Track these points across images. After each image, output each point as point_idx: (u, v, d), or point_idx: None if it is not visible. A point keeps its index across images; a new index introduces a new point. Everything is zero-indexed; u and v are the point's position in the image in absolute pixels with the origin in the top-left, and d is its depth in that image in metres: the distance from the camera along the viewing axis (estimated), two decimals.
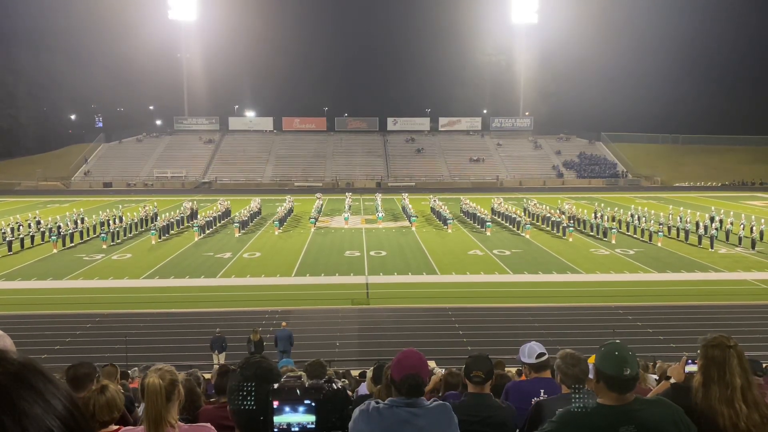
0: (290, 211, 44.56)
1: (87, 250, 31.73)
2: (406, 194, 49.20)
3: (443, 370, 6.64)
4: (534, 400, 4.12)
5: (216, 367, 13.19)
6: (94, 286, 24.74)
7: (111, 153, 78.40)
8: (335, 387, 2.26)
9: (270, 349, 15.96)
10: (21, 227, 34.08)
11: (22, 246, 32.17)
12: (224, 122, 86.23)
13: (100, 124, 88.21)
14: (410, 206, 43.53)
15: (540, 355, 4.51)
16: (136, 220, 38.31)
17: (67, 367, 4.41)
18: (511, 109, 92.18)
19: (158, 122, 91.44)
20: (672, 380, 3.26)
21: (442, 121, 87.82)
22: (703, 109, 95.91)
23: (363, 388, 6.66)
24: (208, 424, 3.10)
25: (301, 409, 2.15)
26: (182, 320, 20.31)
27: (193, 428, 3.00)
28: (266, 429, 2.17)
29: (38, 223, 35.71)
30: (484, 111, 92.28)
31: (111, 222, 36.22)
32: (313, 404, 2.16)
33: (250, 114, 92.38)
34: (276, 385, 2.20)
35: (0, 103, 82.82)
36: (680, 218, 36.21)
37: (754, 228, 33.30)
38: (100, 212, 38.74)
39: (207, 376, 10.17)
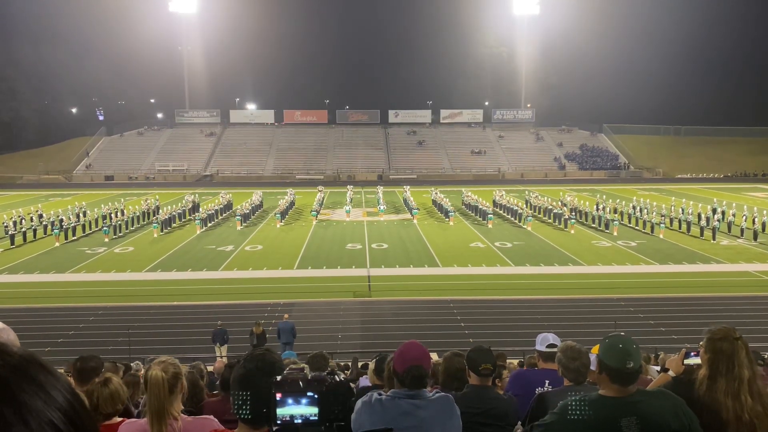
0: (292, 203, 44.56)
1: (89, 244, 31.79)
2: (408, 187, 49.17)
3: None
4: (538, 390, 4.12)
5: (218, 359, 13.24)
6: (96, 279, 24.80)
7: (112, 146, 78.40)
8: (338, 379, 2.26)
9: (272, 341, 16.02)
10: (23, 221, 34.09)
11: (25, 239, 32.23)
12: (225, 115, 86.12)
13: (102, 117, 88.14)
14: (412, 199, 43.50)
15: (551, 345, 4.52)
16: (137, 214, 38.34)
17: (74, 360, 4.43)
18: (512, 101, 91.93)
19: (159, 115, 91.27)
20: (670, 372, 3.24)
21: (444, 113, 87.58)
22: (705, 100, 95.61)
23: (365, 380, 6.67)
24: (211, 416, 3.11)
25: (303, 401, 2.15)
26: (185, 313, 20.36)
27: (196, 420, 3.01)
28: (269, 421, 2.18)
29: (40, 216, 35.76)
30: (486, 103, 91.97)
31: (113, 215, 36.24)
32: (315, 396, 2.16)
33: (251, 107, 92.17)
34: (279, 378, 2.20)
35: (1, 96, 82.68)
36: (682, 210, 36.16)
37: (756, 219, 33.23)
38: (102, 205, 38.77)
39: (210, 368, 10.20)
